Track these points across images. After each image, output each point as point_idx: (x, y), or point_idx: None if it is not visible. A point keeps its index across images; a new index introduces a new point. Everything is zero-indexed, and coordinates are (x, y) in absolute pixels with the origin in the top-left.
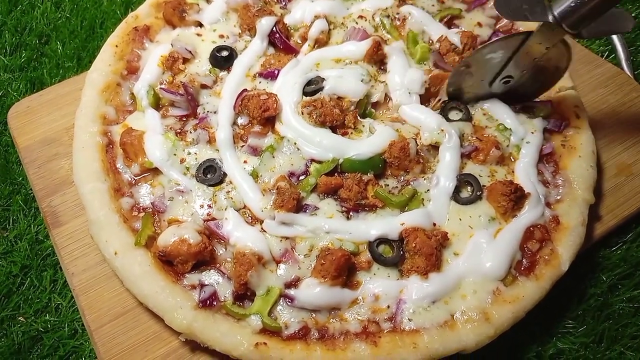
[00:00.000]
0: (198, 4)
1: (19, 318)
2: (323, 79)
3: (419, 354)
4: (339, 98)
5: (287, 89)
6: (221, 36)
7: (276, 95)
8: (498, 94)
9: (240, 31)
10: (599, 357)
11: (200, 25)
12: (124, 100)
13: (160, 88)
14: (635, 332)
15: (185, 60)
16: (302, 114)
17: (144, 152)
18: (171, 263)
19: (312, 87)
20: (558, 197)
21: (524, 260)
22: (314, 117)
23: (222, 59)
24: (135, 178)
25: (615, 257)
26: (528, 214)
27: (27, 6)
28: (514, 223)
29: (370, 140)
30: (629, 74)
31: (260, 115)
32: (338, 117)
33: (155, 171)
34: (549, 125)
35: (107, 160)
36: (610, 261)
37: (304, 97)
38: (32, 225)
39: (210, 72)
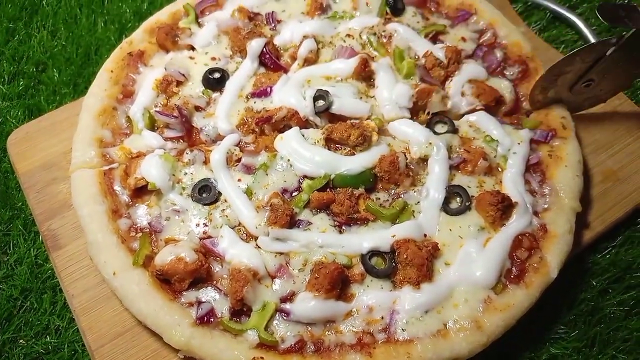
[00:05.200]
0: (190, 28)
1: (20, 341)
2: (327, 92)
3: None
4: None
5: (293, 103)
6: (213, 59)
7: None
8: (573, 97)
9: (231, 53)
10: None
11: (193, 48)
12: (120, 124)
13: (155, 111)
14: (627, 335)
15: (179, 83)
16: (319, 128)
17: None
18: (169, 281)
19: (321, 103)
20: (545, 206)
21: (513, 268)
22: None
23: (215, 80)
24: (133, 200)
25: (605, 261)
26: (516, 223)
27: (24, 35)
28: (503, 232)
29: (361, 156)
30: None
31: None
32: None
33: (151, 192)
34: (535, 136)
35: (105, 183)
36: (599, 266)
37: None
38: (31, 249)
39: (203, 94)
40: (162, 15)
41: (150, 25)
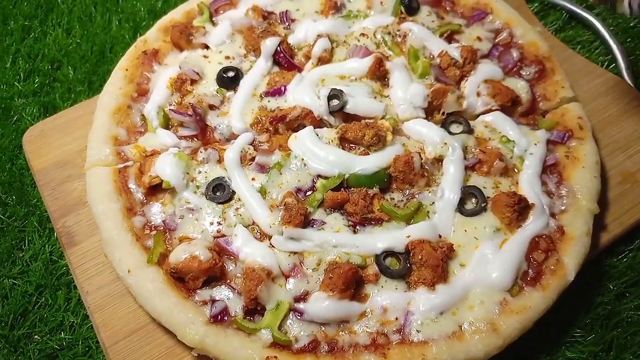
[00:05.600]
0: (204, 27)
1: (35, 336)
2: (341, 91)
3: None
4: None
5: (307, 102)
6: (227, 57)
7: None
8: None
9: (245, 52)
10: None
11: (207, 47)
12: (135, 122)
13: (169, 109)
14: None
15: (193, 82)
16: (333, 128)
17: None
18: (183, 279)
19: (336, 102)
20: (562, 208)
21: (530, 270)
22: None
23: (229, 79)
24: (147, 197)
25: (622, 265)
26: (533, 225)
27: (40, 33)
28: (519, 234)
29: (375, 155)
30: (630, 83)
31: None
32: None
33: (165, 190)
34: (552, 137)
35: (120, 180)
36: (617, 269)
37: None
38: (46, 246)
39: (217, 93)
40: (176, 14)
41: (165, 24)
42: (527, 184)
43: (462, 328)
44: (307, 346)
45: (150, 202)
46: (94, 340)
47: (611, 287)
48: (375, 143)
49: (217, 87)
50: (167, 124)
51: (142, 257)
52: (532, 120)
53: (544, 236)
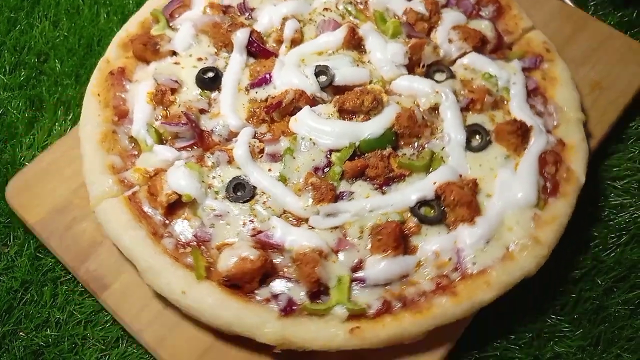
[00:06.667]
0: (164, 34)
1: (20, 333)
2: (327, 66)
3: (493, 289)
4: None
5: (296, 83)
6: (199, 59)
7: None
8: None
9: (216, 50)
10: (596, 359)
11: (174, 54)
12: (125, 146)
13: (161, 123)
14: (632, 335)
15: (174, 91)
16: (329, 102)
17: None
18: (237, 286)
19: (324, 78)
20: (555, 123)
21: (547, 184)
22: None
23: (209, 80)
24: (167, 218)
25: (610, 260)
26: (536, 144)
27: (26, 26)
28: (527, 154)
29: (378, 118)
30: (571, 4)
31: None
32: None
33: (184, 205)
34: (525, 64)
35: (134, 208)
36: (605, 264)
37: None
38: (31, 241)
39: (201, 96)
40: (130, 27)
41: (122, 39)
42: (519, 111)
43: (509, 249)
44: (381, 309)
45: (173, 221)
46: (80, 337)
47: (599, 282)
48: (375, 107)
49: (200, 90)
50: (160, 140)
51: (189, 275)
52: (502, 54)
53: (548, 151)
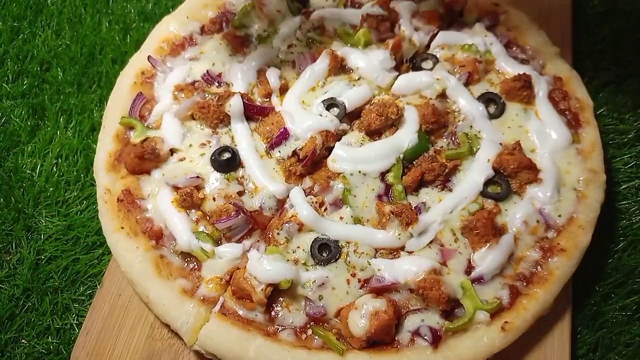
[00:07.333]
0: (150, 136)
1: (22, 341)
2: (333, 97)
3: (588, 230)
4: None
5: (316, 126)
6: (202, 145)
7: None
8: None
9: (212, 129)
10: None
11: (172, 152)
12: (180, 265)
13: (216, 223)
14: (629, 340)
15: (198, 188)
16: (352, 130)
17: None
18: (377, 342)
19: (336, 110)
20: (541, 62)
21: (569, 118)
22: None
23: (227, 161)
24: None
25: (608, 267)
26: (541, 88)
27: (29, 35)
28: (539, 100)
29: (406, 125)
30: None
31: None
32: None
33: (278, 293)
34: (487, 24)
35: (233, 320)
36: (602, 271)
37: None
38: (32, 249)
39: (228, 180)
40: (107, 147)
41: (109, 164)
42: (508, 66)
43: (577, 189)
44: (512, 295)
45: (275, 316)
46: None
47: (597, 289)
48: (401, 115)
49: (223, 174)
50: (214, 241)
51: (333, 357)
52: (462, 24)
53: (552, 90)
